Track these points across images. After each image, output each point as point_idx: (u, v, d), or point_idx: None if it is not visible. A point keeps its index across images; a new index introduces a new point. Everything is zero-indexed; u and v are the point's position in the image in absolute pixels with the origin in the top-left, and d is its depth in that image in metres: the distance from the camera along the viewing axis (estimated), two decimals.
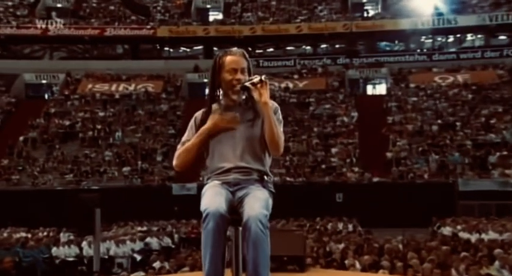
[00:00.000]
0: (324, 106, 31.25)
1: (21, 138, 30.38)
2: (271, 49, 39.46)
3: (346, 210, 20.66)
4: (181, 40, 38.21)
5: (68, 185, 26.91)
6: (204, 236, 2.99)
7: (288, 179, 25.40)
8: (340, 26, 36.06)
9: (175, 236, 17.57)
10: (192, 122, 3.19)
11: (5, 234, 18.04)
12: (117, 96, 33.30)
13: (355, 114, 30.21)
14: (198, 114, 3.16)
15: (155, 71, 36.27)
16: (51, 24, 37.21)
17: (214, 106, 3.14)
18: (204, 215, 2.97)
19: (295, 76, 34.98)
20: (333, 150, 27.44)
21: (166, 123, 31.20)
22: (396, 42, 37.95)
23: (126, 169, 27.37)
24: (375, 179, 23.52)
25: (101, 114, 31.33)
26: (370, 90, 35.56)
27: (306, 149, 27.65)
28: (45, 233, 17.72)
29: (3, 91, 35.29)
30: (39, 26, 37.04)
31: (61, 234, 16.54)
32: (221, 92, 3.10)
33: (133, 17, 38.26)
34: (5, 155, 29.14)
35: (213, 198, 2.95)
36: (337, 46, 37.73)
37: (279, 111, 3.04)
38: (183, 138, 3.14)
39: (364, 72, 35.15)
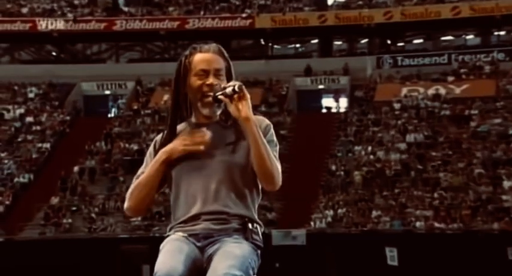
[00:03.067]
0: (492, 121, 30.27)
1: (75, 168, 31.25)
2: (416, 41, 38.68)
3: None
4: (288, 32, 38.41)
5: (135, 232, 27.38)
6: None
7: (436, 225, 25.15)
8: None
9: None
10: (150, 148, 3.13)
11: None
12: None
13: None
14: (159, 137, 3.10)
15: (252, 75, 36.31)
16: (118, 16, 38.17)
17: (182, 126, 3.06)
18: None
19: (450, 78, 34.00)
20: (505, 184, 26.54)
21: None
22: None
23: None
24: None
25: None
26: None
27: (465, 182, 27.11)
28: None
29: (55, 106, 36.48)
30: (101, 18, 38.01)
31: None
32: (189, 105, 3.03)
33: (223, 4, 38.57)
34: (55, 191, 30.03)
35: (168, 257, 2.92)
36: None
37: (272, 131, 3.01)
38: (139, 171, 3.08)
39: None
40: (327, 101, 37.45)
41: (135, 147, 31.79)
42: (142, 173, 3.09)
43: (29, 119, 34.89)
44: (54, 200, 29.36)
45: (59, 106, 36.29)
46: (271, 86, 36.16)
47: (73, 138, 32.79)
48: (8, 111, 35.63)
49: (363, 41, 40.31)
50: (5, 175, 32.04)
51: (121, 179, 30.03)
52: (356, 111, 34.13)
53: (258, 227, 3.09)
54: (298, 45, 41.01)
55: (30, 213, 29.48)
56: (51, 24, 38.05)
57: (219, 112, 3.00)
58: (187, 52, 3.07)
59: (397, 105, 33.50)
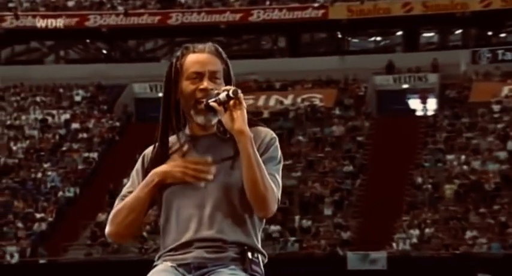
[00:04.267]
0: None
1: (125, 180, 31.41)
2: None
3: None
4: (367, 24, 38.14)
5: None
6: None
7: None
8: None
9: None
10: (138, 164, 3.13)
11: None
12: (266, 114, 34.69)
13: None
14: (148, 151, 3.11)
15: (325, 74, 36.38)
16: (173, 8, 38.51)
17: (174, 138, 3.07)
18: None
19: None
20: None
21: (340, 156, 31.90)
22: None
23: (275, 228, 28.58)
24: None
25: None
26: None
27: None
28: None
29: (103, 111, 36.90)
30: (155, 11, 38.35)
31: None
32: (182, 114, 3.08)
33: None
34: (103, 207, 30.18)
35: None
36: None
37: (276, 145, 3.02)
38: (123, 190, 3.10)
39: None
40: (413, 103, 37.30)
41: None
42: (129, 193, 3.06)
43: (75, 125, 35.44)
44: (102, 217, 29.63)
45: (108, 110, 36.83)
46: (347, 85, 36.37)
47: (123, 147, 33.03)
48: (52, 116, 36.35)
49: (456, 33, 39.55)
50: (48, 189, 32.57)
51: None
52: (447, 114, 33.88)
53: (260, 256, 3.07)
54: (378, 39, 41.01)
55: (75, 231, 30.00)
56: (100, 18, 38.60)
57: (215, 120, 2.99)
58: (178, 53, 3.07)
59: (496, 107, 33.15)
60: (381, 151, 31.50)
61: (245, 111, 2.89)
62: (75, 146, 34.40)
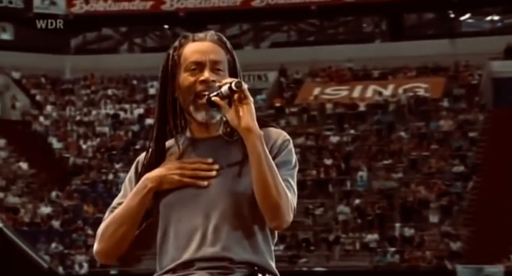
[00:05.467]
0: None
1: None
2: None
3: None
4: (483, 0, 38.13)
5: (276, 265, 27.39)
6: None
7: None
8: None
9: None
10: (131, 172, 3.16)
11: None
12: (362, 107, 34.77)
13: None
14: (142, 157, 3.14)
15: (432, 60, 36.09)
16: None
17: (172, 142, 3.10)
18: None
19: None
20: None
21: (449, 154, 31.61)
22: None
23: (372, 237, 28.60)
24: None
25: (334, 139, 33.18)
26: None
27: None
28: None
29: None
30: None
31: None
32: (181, 113, 3.11)
33: None
34: None
35: None
36: None
37: (290, 148, 3.03)
38: (114, 202, 3.11)
39: None
40: None
41: None
42: (120, 204, 3.06)
43: (149, 121, 35.56)
44: None
45: None
46: (457, 73, 36.08)
47: None
48: (125, 111, 36.87)
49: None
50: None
51: None
52: None
53: None
54: (496, 18, 40.49)
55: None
56: (178, 1, 39.27)
57: (218, 117, 2.99)
58: (176, 43, 3.09)
59: None
60: (497, 148, 31.09)
61: (252, 105, 2.88)
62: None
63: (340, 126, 33.78)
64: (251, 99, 2.90)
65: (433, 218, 29.16)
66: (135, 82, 38.24)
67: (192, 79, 2.99)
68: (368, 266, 27.99)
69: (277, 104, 35.57)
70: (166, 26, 42.63)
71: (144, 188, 3.01)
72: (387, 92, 35.30)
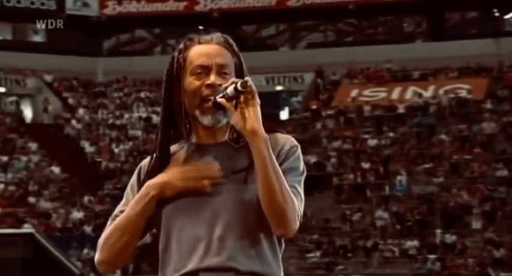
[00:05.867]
0: None
1: None
2: None
3: None
4: None
5: (313, 272, 27.99)
6: None
7: None
8: None
9: None
10: (133, 179, 3.17)
11: None
12: (401, 109, 34.47)
13: None
14: (145, 163, 3.16)
15: (474, 60, 35.70)
16: None
17: (176, 148, 3.14)
18: None
19: None
20: None
21: (492, 158, 31.32)
22: None
23: (412, 244, 28.22)
24: None
25: (372, 142, 32.93)
26: None
27: None
28: None
29: None
30: None
31: None
32: (186, 118, 3.14)
33: None
34: None
35: None
36: None
37: (298, 154, 3.07)
38: (116, 209, 3.14)
39: None
40: None
41: (313, 159, 31.87)
42: (121, 212, 3.09)
43: None
44: None
45: None
46: (501, 73, 35.68)
47: None
48: (158, 114, 35.85)
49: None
50: None
51: None
52: None
53: None
54: None
55: None
56: (211, 2, 39.30)
57: (224, 121, 3.03)
58: (181, 45, 3.13)
59: None
60: None
61: (259, 107, 2.88)
62: None
63: (378, 129, 33.54)
64: (258, 101, 2.88)
65: (476, 224, 28.78)
66: None
67: (197, 83, 2.99)
68: (407, 273, 27.69)
69: (314, 107, 35.33)
70: (200, 27, 42.60)
71: (147, 195, 3.01)
72: (428, 93, 35.00)
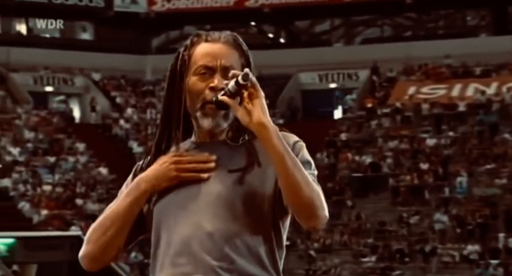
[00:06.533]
0: None
1: None
2: None
3: None
4: None
5: None
6: None
7: None
8: None
9: None
10: (129, 177, 3.18)
11: None
12: (461, 107, 34.28)
13: None
14: (141, 163, 3.20)
15: None
16: None
17: (173, 148, 3.14)
18: None
19: None
20: None
21: None
22: None
23: (472, 248, 28.13)
24: None
25: (431, 142, 32.69)
26: None
27: None
28: None
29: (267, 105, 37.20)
30: None
31: None
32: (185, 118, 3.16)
33: None
34: None
35: None
36: None
37: (305, 150, 3.09)
38: (107, 208, 3.14)
39: None
40: None
41: (368, 159, 31.92)
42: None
43: None
44: None
45: (269, 106, 35.60)
46: None
47: None
48: None
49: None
50: None
51: (349, 203, 30.47)
52: None
53: None
54: None
55: None
56: None
57: (225, 125, 3.02)
58: (187, 42, 3.11)
59: None
60: None
61: (263, 100, 2.88)
62: None
63: (437, 128, 33.23)
64: (262, 93, 2.86)
65: None
66: None
67: (202, 85, 2.98)
68: None
69: (369, 105, 35.23)
70: (252, 23, 42.53)
71: (137, 188, 3.01)
72: (490, 90, 34.62)
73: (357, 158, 32.44)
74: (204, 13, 39.57)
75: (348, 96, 37.04)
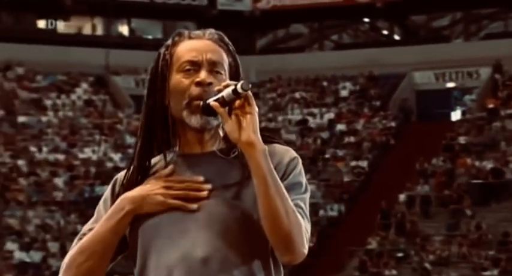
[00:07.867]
0: None
1: (402, 196, 31.90)
2: None
3: None
4: None
5: None
6: None
7: None
8: None
9: None
10: (107, 193, 3.20)
11: None
12: None
13: None
14: (121, 174, 3.21)
15: None
16: None
17: (157, 158, 3.15)
18: None
19: None
20: None
21: None
22: None
23: None
24: None
25: None
26: None
27: None
28: None
29: (375, 107, 37.23)
30: None
31: None
32: (171, 124, 3.20)
33: None
34: (374, 230, 30.93)
35: None
36: None
37: (300, 168, 3.07)
38: (85, 227, 3.19)
39: None
40: None
41: (490, 165, 31.48)
42: (89, 231, 3.08)
43: (340, 127, 35.92)
44: (373, 242, 30.11)
45: (381, 107, 36.84)
46: None
47: (400, 153, 33.48)
48: (314, 116, 36.89)
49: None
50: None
51: (468, 212, 30.10)
52: None
53: None
54: None
55: (339, 260, 30.18)
56: None
57: (215, 123, 3.00)
58: (169, 41, 3.15)
59: None
60: None
61: (256, 116, 2.90)
62: (340, 152, 34.47)
63: None
64: (256, 108, 2.87)
65: None
66: (325, 83, 38.14)
67: (186, 82, 2.98)
68: None
69: (491, 105, 34.64)
70: (366, 20, 42.09)
71: (121, 210, 2.99)
72: None
73: (477, 163, 32.01)
74: (312, 10, 39.51)
75: (467, 97, 36.79)
